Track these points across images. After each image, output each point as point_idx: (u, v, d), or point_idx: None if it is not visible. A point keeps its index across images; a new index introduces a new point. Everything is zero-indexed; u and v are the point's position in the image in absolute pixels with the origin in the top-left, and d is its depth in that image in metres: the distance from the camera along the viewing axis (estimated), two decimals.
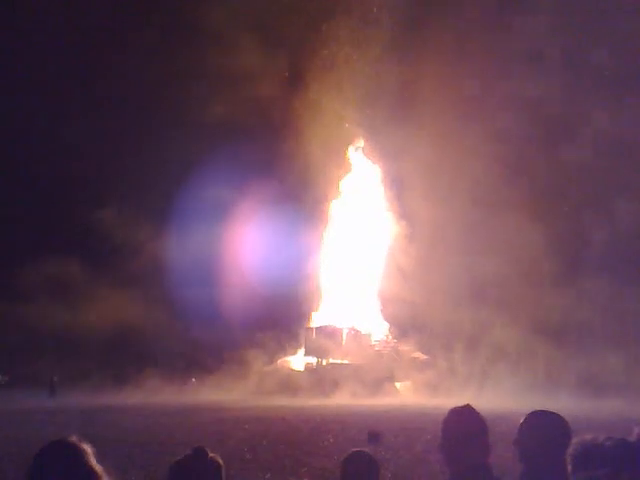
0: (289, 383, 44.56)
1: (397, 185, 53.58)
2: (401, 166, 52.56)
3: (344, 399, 38.70)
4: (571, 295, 45.55)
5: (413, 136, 50.04)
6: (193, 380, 49.10)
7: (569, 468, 2.54)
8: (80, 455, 2.55)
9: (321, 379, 44.65)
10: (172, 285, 47.87)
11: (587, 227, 48.24)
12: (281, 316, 48.63)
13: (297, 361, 49.58)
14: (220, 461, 3.13)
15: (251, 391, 43.23)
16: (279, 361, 49.42)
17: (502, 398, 34.40)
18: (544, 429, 3.49)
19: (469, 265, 47.49)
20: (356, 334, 51.00)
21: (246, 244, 51.84)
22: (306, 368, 48.10)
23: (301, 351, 50.74)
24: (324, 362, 48.29)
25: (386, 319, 53.51)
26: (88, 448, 2.59)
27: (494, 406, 23.39)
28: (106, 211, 52.27)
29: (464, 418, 3.29)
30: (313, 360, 48.88)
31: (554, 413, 3.62)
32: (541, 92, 48.44)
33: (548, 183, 49.69)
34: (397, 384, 46.18)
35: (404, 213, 52.78)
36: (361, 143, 57.80)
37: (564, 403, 22.61)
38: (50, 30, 52.20)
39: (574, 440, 2.63)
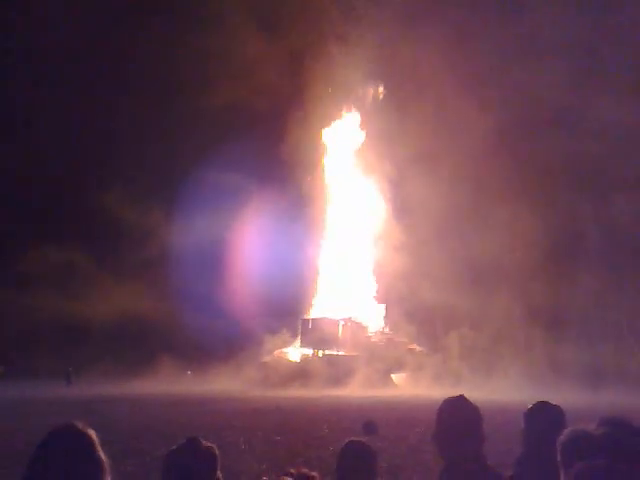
0: (285, 374, 44.64)
1: (393, 171, 53.51)
2: (398, 150, 52.50)
3: (339, 390, 38.79)
4: (568, 284, 45.63)
5: (411, 118, 49.97)
6: (189, 373, 49.16)
7: (559, 457, 2.58)
8: (90, 443, 2.52)
9: (317, 370, 44.73)
10: (173, 274, 47.77)
11: (584, 217, 48.30)
12: (278, 308, 48.66)
13: (293, 352, 49.65)
14: (215, 451, 3.15)
15: (248, 382, 43.32)
16: (276, 352, 49.47)
17: (498, 389, 34.57)
18: (544, 420, 3.56)
19: (466, 255, 47.45)
20: (352, 326, 51.07)
21: (245, 236, 51.74)
22: (302, 359, 48.17)
23: (297, 343, 50.81)
24: (320, 353, 48.36)
25: (382, 311, 53.59)
26: (95, 436, 2.57)
27: (490, 397, 23.52)
28: (112, 195, 51.39)
29: (458, 408, 3.32)
30: (309, 351, 48.94)
31: (555, 405, 3.70)
32: (542, 81, 48.40)
33: (547, 171, 49.60)
34: (393, 375, 46.29)
35: (400, 202, 52.75)
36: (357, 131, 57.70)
37: (563, 393, 22.70)
38: (60, 13, 51.94)
39: (565, 430, 2.67)
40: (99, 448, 2.53)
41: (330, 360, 46.85)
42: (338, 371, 44.12)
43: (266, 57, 53.49)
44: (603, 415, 2.84)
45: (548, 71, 48.25)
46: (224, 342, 47.07)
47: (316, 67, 53.28)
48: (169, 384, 40.63)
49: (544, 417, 3.62)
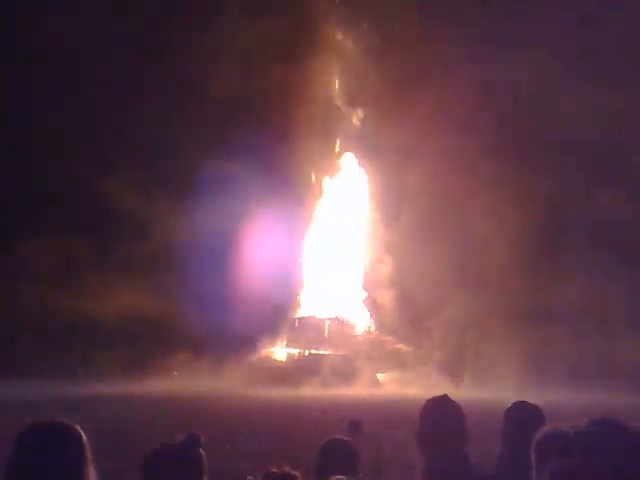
0: (271, 374, 44.62)
1: (381, 175, 53.53)
2: (387, 156, 52.45)
3: (325, 390, 38.80)
4: (555, 279, 45.79)
5: (397, 121, 49.96)
6: (175, 373, 48.92)
7: (533, 455, 2.60)
8: (79, 441, 2.51)
9: (303, 370, 44.75)
10: (167, 270, 47.36)
11: (570, 211, 48.48)
12: (264, 307, 48.49)
13: (280, 352, 49.64)
14: (203, 452, 3.12)
15: (234, 381, 43.25)
16: (262, 352, 49.44)
17: (485, 388, 34.76)
18: (523, 419, 3.59)
19: (454, 253, 47.48)
20: (339, 325, 51.14)
21: (238, 233, 51.26)
22: (288, 359, 48.17)
23: (284, 342, 50.79)
24: (306, 353, 48.38)
25: (369, 310, 53.67)
26: (78, 429, 2.55)
27: (474, 396, 23.64)
28: (115, 184, 50.22)
29: (441, 408, 3.34)
30: (296, 351, 48.95)
31: (534, 405, 3.75)
32: (526, 72, 48.53)
33: (531, 167, 49.59)
34: (379, 375, 46.39)
35: (387, 201, 52.81)
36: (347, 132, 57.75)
37: (550, 391, 22.85)
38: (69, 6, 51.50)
39: (541, 429, 2.69)
40: (82, 442, 2.52)
41: (316, 360, 46.85)
42: (323, 370, 44.14)
43: (268, 47, 53.08)
44: (592, 415, 2.85)
45: (533, 62, 48.28)
46: (207, 341, 46.80)
47: (318, 56, 53.34)
48: (156, 384, 40.45)
49: (523, 416, 3.67)
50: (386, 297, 50.52)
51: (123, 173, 49.86)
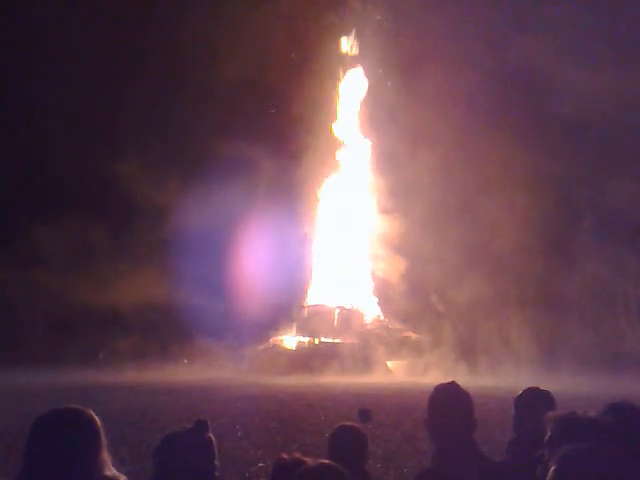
0: (281, 362, 44.76)
1: (388, 160, 53.22)
2: (393, 141, 52.08)
3: (335, 378, 38.90)
4: (567, 265, 45.60)
5: (403, 103, 49.64)
6: (185, 361, 49.11)
7: (545, 438, 2.60)
8: (93, 425, 2.55)
9: (313, 358, 44.85)
10: (178, 254, 47.28)
11: (581, 197, 48.17)
12: (274, 294, 48.52)
13: (289, 340, 49.76)
14: (213, 440, 3.16)
15: (243, 369, 43.43)
16: (272, 340, 49.58)
17: (494, 375, 34.78)
18: (533, 406, 3.61)
19: (462, 241, 47.26)
20: (348, 313, 51.20)
21: (247, 218, 51.12)
22: (298, 347, 48.29)
23: (294, 330, 50.92)
24: (316, 341, 48.48)
25: (378, 298, 53.66)
26: (92, 415, 2.60)
27: (485, 385, 23.68)
28: (128, 165, 49.50)
29: (449, 394, 3.35)
30: (305, 339, 49.06)
31: (545, 390, 3.76)
32: (537, 58, 48.08)
33: (546, 150, 49.13)
34: (388, 363, 46.45)
35: (395, 188, 52.54)
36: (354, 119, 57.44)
37: (562, 378, 22.84)
38: None
39: (552, 413, 2.69)
40: (96, 426, 2.56)
41: (326, 348, 46.94)
42: (333, 358, 44.21)
43: (272, 29, 52.64)
44: (608, 401, 2.85)
45: (543, 47, 47.76)
46: (217, 329, 46.82)
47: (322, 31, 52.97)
48: (167, 371, 40.70)
49: (534, 403, 3.67)
50: (396, 285, 50.51)
51: (137, 156, 49.46)
